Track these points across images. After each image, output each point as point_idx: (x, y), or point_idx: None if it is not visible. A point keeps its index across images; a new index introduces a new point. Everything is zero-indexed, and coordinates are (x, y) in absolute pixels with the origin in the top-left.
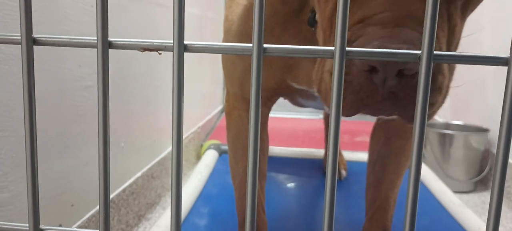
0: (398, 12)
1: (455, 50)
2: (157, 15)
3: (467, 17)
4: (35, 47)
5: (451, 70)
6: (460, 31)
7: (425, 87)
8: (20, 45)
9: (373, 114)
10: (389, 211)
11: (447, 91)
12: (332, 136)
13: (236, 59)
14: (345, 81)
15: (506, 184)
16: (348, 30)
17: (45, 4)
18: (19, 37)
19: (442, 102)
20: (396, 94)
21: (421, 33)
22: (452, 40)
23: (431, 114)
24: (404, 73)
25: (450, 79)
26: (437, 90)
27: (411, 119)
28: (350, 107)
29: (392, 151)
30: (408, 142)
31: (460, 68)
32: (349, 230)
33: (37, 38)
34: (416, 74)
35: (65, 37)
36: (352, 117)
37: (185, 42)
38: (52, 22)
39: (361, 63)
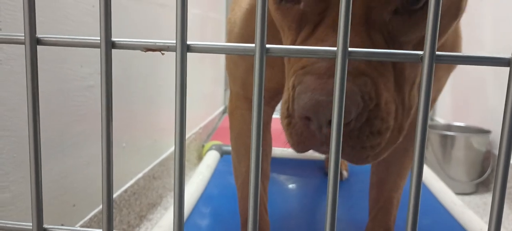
0: (334, 62)
1: (409, 91)
2: (159, 15)
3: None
4: (38, 48)
5: (407, 110)
6: (413, 70)
7: (427, 87)
8: (22, 45)
9: (320, 153)
10: (392, 212)
11: (399, 131)
12: (334, 136)
13: (239, 60)
14: (290, 123)
15: (508, 186)
16: (294, 74)
17: (46, 4)
18: (23, 37)
19: (386, 148)
20: None
21: (354, 83)
22: (402, 82)
23: (374, 157)
24: None
25: (403, 118)
26: (377, 134)
27: (351, 161)
28: (297, 146)
29: (396, 152)
30: (411, 143)
31: (461, 69)
32: (351, 230)
33: (41, 38)
34: (350, 122)
35: (68, 37)
36: None
37: (188, 42)
38: (53, 22)
39: (298, 112)
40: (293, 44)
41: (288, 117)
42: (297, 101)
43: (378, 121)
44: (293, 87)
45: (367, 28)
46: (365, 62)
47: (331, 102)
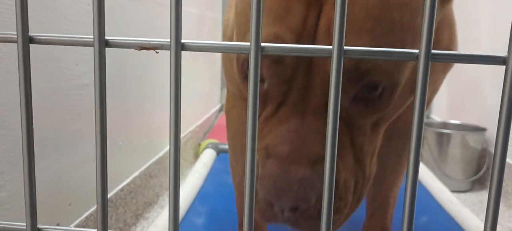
0: (296, 146)
1: (370, 161)
2: (155, 14)
3: (380, 129)
4: (32, 46)
5: (367, 179)
6: (373, 143)
7: (422, 86)
8: (16, 44)
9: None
10: (389, 210)
11: (357, 202)
12: (330, 135)
13: (234, 58)
14: (256, 191)
15: (503, 183)
16: (257, 153)
17: (44, 3)
18: (15, 36)
19: (346, 219)
20: (295, 221)
21: (313, 171)
22: (362, 157)
23: (334, 229)
24: (299, 207)
25: (362, 189)
26: (336, 212)
27: None
28: (262, 218)
29: (393, 151)
30: (408, 142)
31: (457, 67)
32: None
33: (34, 37)
34: (310, 207)
35: (61, 35)
36: None
37: (183, 41)
38: (51, 21)
39: (261, 195)
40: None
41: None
42: (260, 184)
43: (336, 200)
44: (257, 166)
45: (325, 113)
46: (322, 146)
47: (292, 191)
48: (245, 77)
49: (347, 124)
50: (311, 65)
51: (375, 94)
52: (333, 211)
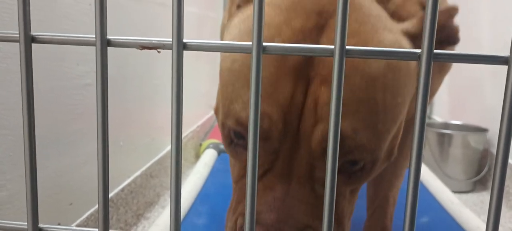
0: (281, 215)
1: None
2: (157, 14)
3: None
4: (34, 46)
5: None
6: (349, 204)
7: (425, 86)
8: (18, 43)
9: None
10: (389, 210)
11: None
12: (331, 135)
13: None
14: None
15: (505, 184)
16: (241, 217)
17: (45, 3)
18: (17, 35)
19: None
20: None
21: None
22: (340, 222)
23: None
24: None
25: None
26: None
27: None
28: None
29: None
30: (406, 143)
31: (458, 67)
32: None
33: (35, 36)
34: None
35: (63, 35)
36: None
37: (184, 40)
38: (52, 21)
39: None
40: (239, 180)
41: None
42: None
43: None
44: (241, 229)
45: (311, 182)
46: (307, 215)
47: None
48: (231, 143)
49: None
50: (297, 138)
51: (357, 168)
52: None
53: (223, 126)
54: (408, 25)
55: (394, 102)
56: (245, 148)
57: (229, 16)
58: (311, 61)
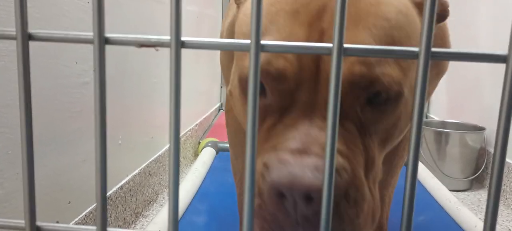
0: (306, 142)
1: (374, 183)
2: (154, 11)
3: (385, 151)
4: (32, 44)
5: (377, 200)
6: (379, 164)
7: (422, 84)
8: (15, 41)
9: None
10: (384, 209)
11: (370, 215)
12: (329, 135)
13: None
14: (257, 205)
15: (502, 182)
16: (261, 156)
17: (43, 0)
18: (14, 33)
19: (367, 218)
20: (308, 221)
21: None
22: (371, 169)
23: None
24: (312, 197)
25: (374, 207)
26: (353, 204)
27: None
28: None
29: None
30: (401, 141)
31: (456, 66)
32: None
33: (33, 34)
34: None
35: (61, 32)
36: None
37: (183, 38)
38: (49, 19)
39: (270, 187)
40: (261, 125)
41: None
42: (268, 177)
43: (353, 191)
44: (264, 165)
45: (340, 117)
46: (340, 142)
47: (306, 176)
48: None
49: (359, 130)
50: (317, 79)
51: (382, 98)
52: (350, 203)
53: (240, 81)
54: None
55: (409, 43)
56: (263, 95)
57: (229, 15)
58: (322, 14)
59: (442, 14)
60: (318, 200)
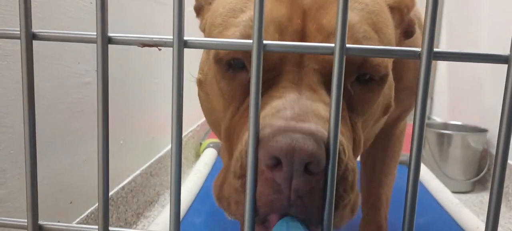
0: (299, 109)
1: (358, 146)
2: (155, 13)
3: (365, 132)
4: (34, 44)
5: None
6: (361, 143)
7: (425, 85)
8: (19, 40)
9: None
10: (382, 208)
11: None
12: (332, 135)
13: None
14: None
15: (504, 184)
16: (244, 134)
17: (46, 0)
18: (18, 32)
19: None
20: (301, 198)
21: (323, 127)
22: (357, 148)
23: (340, 221)
24: (311, 171)
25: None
26: (349, 190)
27: (316, 224)
28: (261, 208)
29: (378, 150)
30: (390, 142)
31: (458, 67)
32: (347, 228)
33: (37, 33)
34: (321, 173)
35: (65, 32)
36: None
37: (185, 38)
38: (51, 18)
39: (263, 156)
40: (235, 114)
41: (241, 176)
42: (263, 145)
43: (351, 175)
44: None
45: (322, 89)
46: (326, 112)
47: (307, 143)
48: (229, 68)
49: (349, 107)
50: (301, 58)
51: (370, 80)
52: (347, 190)
53: (219, 61)
54: None
55: (385, 29)
56: (243, 67)
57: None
58: (306, 30)
59: (410, 31)
60: (316, 175)
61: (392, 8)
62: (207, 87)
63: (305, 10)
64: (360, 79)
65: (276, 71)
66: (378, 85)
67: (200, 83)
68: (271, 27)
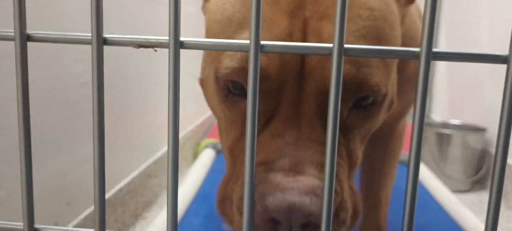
0: (297, 158)
1: (355, 164)
2: (155, 13)
3: (364, 143)
4: (31, 44)
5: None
6: (359, 157)
7: (424, 85)
8: (13, 42)
9: None
10: (381, 209)
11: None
12: (330, 136)
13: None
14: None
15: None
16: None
17: (42, 1)
18: (13, 33)
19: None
20: None
21: (320, 178)
22: (352, 168)
23: None
24: (311, 222)
25: (356, 202)
26: (342, 225)
27: None
28: None
29: (377, 150)
30: (390, 142)
31: (457, 67)
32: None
33: (31, 35)
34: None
35: (59, 33)
36: None
37: (181, 38)
38: (49, 19)
39: (260, 213)
40: (238, 141)
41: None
42: (261, 203)
43: (343, 213)
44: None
45: (322, 122)
46: (324, 157)
47: (304, 204)
48: (229, 93)
49: (344, 133)
50: (302, 76)
51: (368, 103)
52: (340, 225)
53: (216, 80)
54: None
55: (391, 34)
56: (243, 96)
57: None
58: (305, 2)
59: None
60: (313, 225)
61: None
62: (208, 91)
63: (306, 19)
64: (357, 104)
65: (277, 97)
66: (379, 105)
67: (202, 83)
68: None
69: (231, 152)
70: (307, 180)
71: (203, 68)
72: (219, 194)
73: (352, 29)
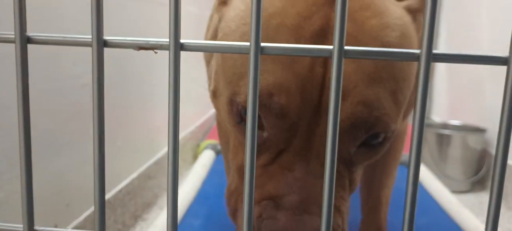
0: (305, 195)
1: (355, 187)
2: (156, 14)
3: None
4: (31, 45)
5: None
6: (358, 179)
7: (424, 86)
8: (14, 44)
9: None
10: (382, 210)
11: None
12: (330, 137)
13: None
14: None
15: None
16: (257, 204)
17: (43, 2)
18: (13, 36)
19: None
20: None
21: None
22: (353, 191)
23: None
24: None
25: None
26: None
27: None
28: None
29: None
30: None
31: (457, 68)
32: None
33: (32, 37)
34: None
35: (60, 35)
36: None
37: (182, 40)
38: (49, 21)
39: None
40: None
41: None
42: None
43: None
44: (260, 217)
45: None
46: (335, 197)
47: None
48: (241, 121)
49: (348, 168)
50: (317, 113)
51: (378, 141)
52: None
53: (231, 103)
54: (410, 1)
55: (409, 70)
56: (261, 126)
57: (211, 27)
58: (327, 30)
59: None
60: None
61: (413, 11)
62: (220, 105)
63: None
64: (366, 142)
65: (290, 133)
66: (387, 141)
67: (214, 95)
68: (293, 85)
69: (240, 170)
70: (311, 218)
71: (216, 81)
72: (231, 204)
73: (368, 70)
